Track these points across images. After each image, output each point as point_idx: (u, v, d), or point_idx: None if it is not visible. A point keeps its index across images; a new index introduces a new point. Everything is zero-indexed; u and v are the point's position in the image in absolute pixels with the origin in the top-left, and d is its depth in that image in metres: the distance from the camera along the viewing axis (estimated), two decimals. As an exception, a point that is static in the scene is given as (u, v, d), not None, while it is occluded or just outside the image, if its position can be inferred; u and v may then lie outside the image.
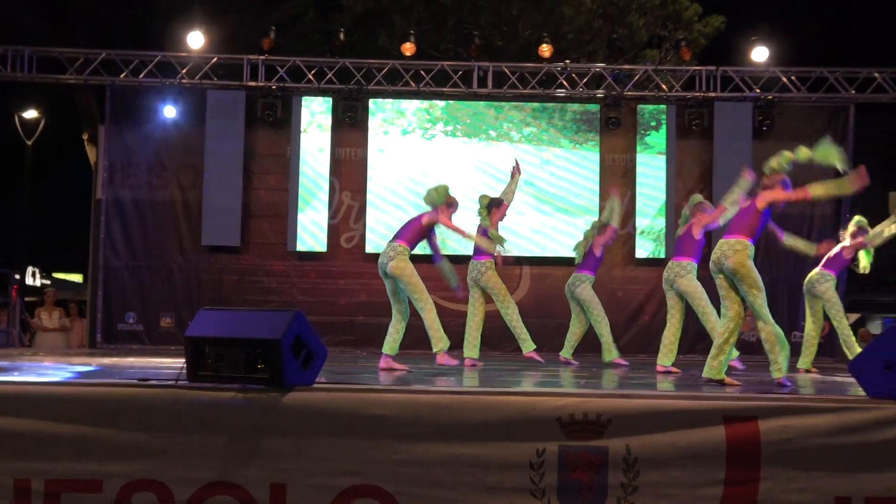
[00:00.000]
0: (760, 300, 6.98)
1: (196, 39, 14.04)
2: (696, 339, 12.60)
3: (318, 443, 5.05)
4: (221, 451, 5.04)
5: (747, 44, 14.43)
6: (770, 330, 7.00)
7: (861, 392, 5.43)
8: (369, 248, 14.05)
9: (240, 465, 5.02)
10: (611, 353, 10.94)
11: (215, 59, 14.17)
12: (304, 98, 14.24)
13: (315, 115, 14.23)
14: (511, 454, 5.00)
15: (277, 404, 5.07)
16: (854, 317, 14.35)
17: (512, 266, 13.70)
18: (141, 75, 14.00)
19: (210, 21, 14.95)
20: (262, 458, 5.05)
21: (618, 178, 14.26)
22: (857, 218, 10.43)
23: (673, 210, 14.13)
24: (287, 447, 5.05)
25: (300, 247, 14.03)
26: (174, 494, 5.02)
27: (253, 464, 5.03)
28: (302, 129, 14.15)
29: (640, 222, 14.18)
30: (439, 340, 9.10)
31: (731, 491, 5.02)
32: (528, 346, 10.33)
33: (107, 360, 9.51)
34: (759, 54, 14.24)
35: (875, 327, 29.56)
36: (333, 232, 14.15)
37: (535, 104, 14.48)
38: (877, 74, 14.31)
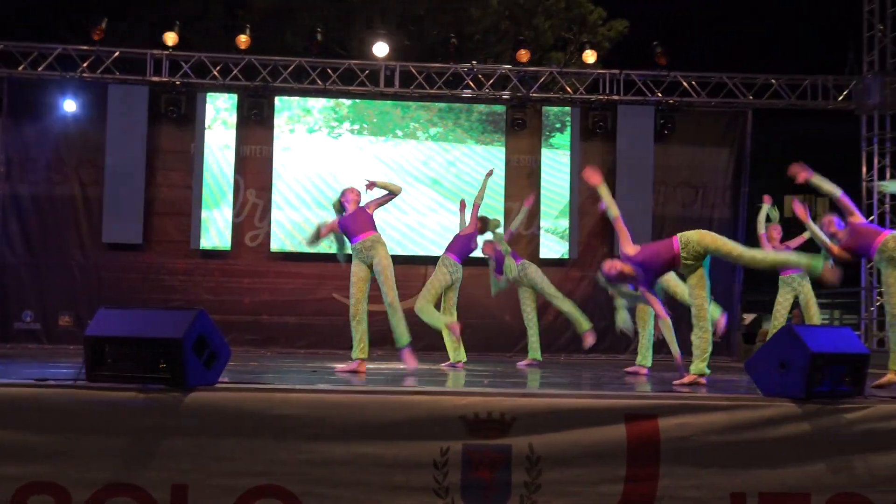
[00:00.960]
0: None
1: (98, 33, 13.74)
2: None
3: (221, 443, 5.00)
4: (121, 452, 4.96)
5: (649, 48, 14.69)
6: None
7: (757, 390, 5.57)
8: (274, 247, 13.96)
9: (140, 466, 4.95)
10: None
11: (117, 53, 13.92)
12: (208, 94, 14.07)
13: (220, 111, 14.07)
14: (415, 453, 5.01)
15: (179, 404, 5.01)
16: (750, 317, 14.69)
17: (417, 265, 13.75)
18: (40, 68, 13.69)
19: (113, 14, 14.66)
20: (163, 458, 4.98)
21: (523, 179, 14.40)
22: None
23: (576, 211, 14.34)
24: (189, 447, 4.99)
25: (204, 245, 13.86)
26: (72, 496, 4.92)
27: (153, 465, 4.96)
28: (206, 125, 13.98)
29: (545, 223, 14.33)
30: None
31: (631, 488, 5.11)
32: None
33: (2, 360, 9.28)
34: (661, 59, 14.50)
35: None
36: (238, 230, 14.01)
37: (442, 104, 14.53)
38: (773, 81, 14.72)
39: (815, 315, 10.27)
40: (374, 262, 8.64)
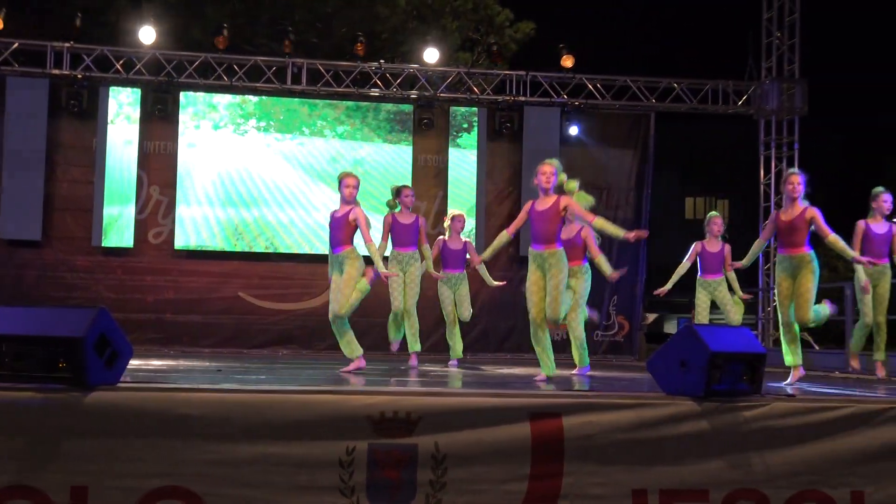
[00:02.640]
0: None
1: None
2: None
3: (123, 443, 4.92)
4: (19, 454, 4.85)
5: (556, 50, 14.84)
6: None
7: (658, 389, 5.68)
8: (178, 244, 13.76)
9: (39, 467, 4.84)
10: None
11: (17, 45, 13.57)
12: (111, 89, 13.81)
13: (123, 106, 13.83)
14: (321, 453, 5.00)
15: (80, 404, 4.92)
16: (653, 316, 14.97)
17: (324, 264, 13.67)
18: (-66, 59, 13.30)
19: (12, 4, 14.29)
20: (63, 460, 4.88)
21: (430, 179, 14.45)
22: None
23: (483, 211, 14.43)
24: (89, 448, 4.90)
25: (106, 242, 13.60)
26: (-33, 499, 4.81)
27: (53, 466, 4.85)
28: (109, 120, 13.72)
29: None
30: None
31: (536, 486, 5.16)
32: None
33: None
34: (567, 61, 14.66)
35: (671, 327, 30.92)
36: (141, 227, 13.77)
37: (350, 103, 14.49)
38: (676, 85, 15.00)
39: (733, 316, 10.49)
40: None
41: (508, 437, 5.17)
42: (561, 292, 7.57)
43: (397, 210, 10.07)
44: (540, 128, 14.50)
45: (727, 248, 10.42)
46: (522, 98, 14.73)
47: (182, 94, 14.03)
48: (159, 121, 13.89)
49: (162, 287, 13.81)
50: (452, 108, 14.69)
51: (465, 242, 10.91)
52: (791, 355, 8.36)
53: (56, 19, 16.44)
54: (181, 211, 13.79)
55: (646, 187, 15.03)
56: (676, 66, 18.65)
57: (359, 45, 14.51)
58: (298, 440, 5.00)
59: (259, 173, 13.99)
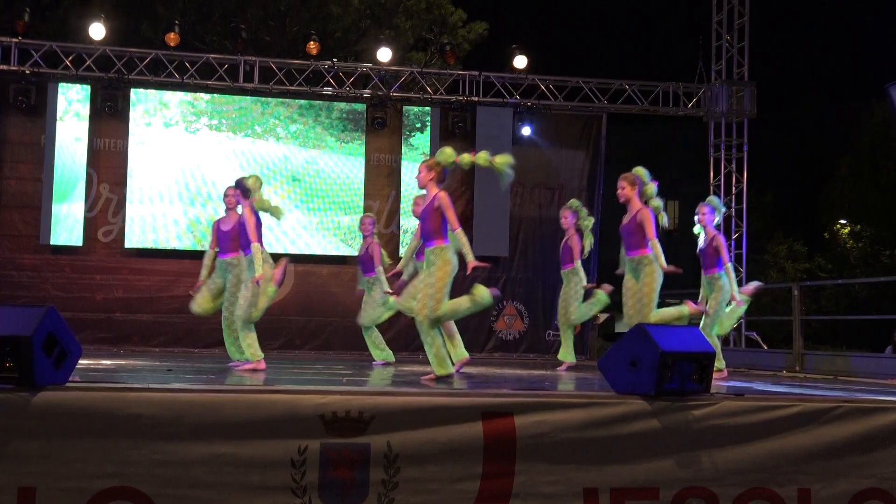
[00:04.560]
0: None
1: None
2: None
3: (71, 444, 4.86)
4: (-35, 455, 4.79)
5: (509, 51, 14.89)
6: None
7: (610, 388, 5.72)
8: (128, 243, 13.62)
9: (-15, 468, 4.78)
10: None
11: (-38, 40, 13.39)
12: (60, 85, 13.63)
13: (72, 102, 13.65)
14: (273, 453, 4.98)
15: (27, 405, 4.85)
16: (604, 316, 15.05)
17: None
18: None
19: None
20: (9, 461, 4.81)
21: (383, 178, 14.44)
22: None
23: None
24: (36, 449, 4.83)
25: (54, 240, 13.42)
26: (-90, 502, 4.73)
27: (-1, 467, 4.80)
28: (58, 117, 13.55)
29: (404, 222, 14.38)
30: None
31: (488, 484, 5.18)
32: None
33: None
34: (520, 62, 14.72)
35: (623, 326, 31.12)
36: (90, 225, 13.61)
37: (303, 101, 14.44)
38: (627, 87, 15.11)
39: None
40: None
41: (461, 437, 5.18)
42: (438, 289, 7.51)
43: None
44: (493, 128, 14.54)
45: None
46: (475, 98, 14.76)
47: (133, 92, 13.88)
48: (109, 118, 13.74)
49: (112, 286, 13.66)
50: (405, 108, 14.69)
51: (370, 245, 10.98)
52: None
53: (4, 14, 16.21)
54: (132, 209, 13.65)
55: (598, 188, 15.12)
56: (628, 68, 18.80)
57: (311, 43, 14.46)
58: (250, 440, 4.97)
59: (211, 172, 13.89)
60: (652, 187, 8.63)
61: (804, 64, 39.99)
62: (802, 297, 12.29)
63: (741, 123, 15.52)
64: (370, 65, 14.89)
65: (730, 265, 9.53)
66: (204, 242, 13.74)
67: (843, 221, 32.27)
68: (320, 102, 14.52)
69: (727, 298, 9.47)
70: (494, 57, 16.69)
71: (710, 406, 5.51)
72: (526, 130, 14.76)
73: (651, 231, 8.47)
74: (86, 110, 13.67)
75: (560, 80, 15.00)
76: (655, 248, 8.47)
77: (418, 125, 14.66)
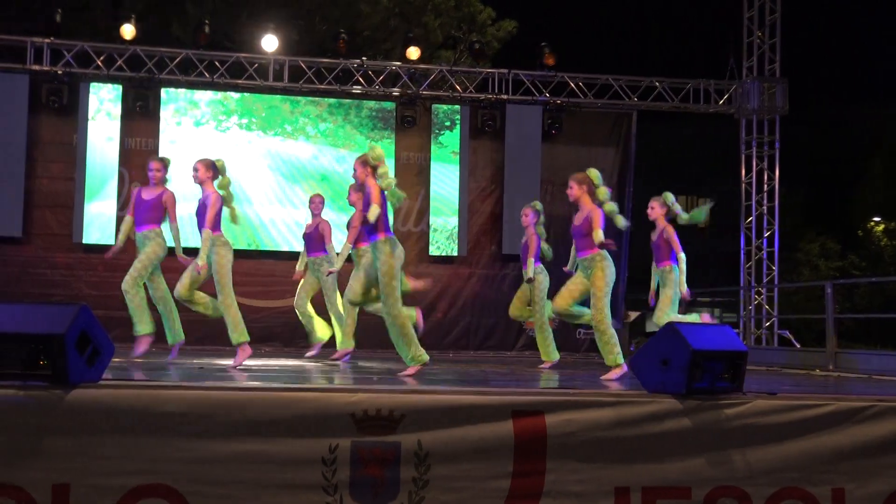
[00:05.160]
0: None
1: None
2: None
3: (104, 441, 4.90)
4: (0, 452, 4.82)
5: (538, 49, 14.85)
6: None
7: (640, 387, 5.70)
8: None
9: (20, 465, 4.81)
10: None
11: (-4, 40, 13.51)
12: (92, 85, 13.73)
13: (104, 102, 13.75)
14: (304, 450, 4.99)
15: (61, 402, 4.89)
16: (635, 314, 15.00)
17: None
18: (-87, 54, 13.20)
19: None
20: (44, 458, 4.85)
21: (412, 177, 14.44)
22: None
23: (466, 209, 14.43)
24: (71, 446, 4.87)
25: (87, 239, 13.52)
26: (-53, 498, 4.78)
27: (34, 464, 4.83)
28: (89, 116, 13.65)
29: (434, 221, 14.38)
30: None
31: (519, 483, 5.17)
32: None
33: None
34: (549, 60, 14.68)
35: (653, 325, 30.98)
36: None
37: (332, 100, 14.47)
38: (657, 84, 15.03)
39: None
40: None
41: (491, 435, 5.17)
42: (387, 283, 7.58)
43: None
44: (522, 126, 14.52)
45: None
46: (504, 96, 14.74)
47: (163, 91, 13.97)
48: (140, 117, 13.82)
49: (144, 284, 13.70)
50: (434, 106, 14.69)
51: (319, 223, 10.97)
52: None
53: (36, 15, 16.34)
54: (162, 208, 13.70)
55: (627, 186, 15.06)
56: (658, 65, 18.69)
57: (341, 42, 14.49)
58: (281, 438, 4.99)
59: (241, 170, 13.95)
60: (605, 190, 8.66)
61: (837, 60, 39.66)
62: (836, 296, 12.18)
63: (773, 120, 15.43)
64: (399, 63, 14.90)
65: (682, 255, 9.74)
66: (234, 240, 13.80)
67: (877, 219, 32.02)
68: (350, 101, 14.54)
69: (678, 292, 9.66)
70: (524, 55, 16.66)
71: (742, 405, 5.47)
72: (554, 128, 14.70)
73: (600, 231, 8.42)
74: (117, 110, 13.76)
75: (590, 77, 14.95)
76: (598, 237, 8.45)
77: (448, 123, 14.66)
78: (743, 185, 15.54)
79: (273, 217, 14.01)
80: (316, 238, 10.92)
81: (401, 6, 21.28)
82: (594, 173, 8.72)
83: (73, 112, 13.64)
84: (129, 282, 9.24)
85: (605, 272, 8.48)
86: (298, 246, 13.71)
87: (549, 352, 10.73)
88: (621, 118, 15.19)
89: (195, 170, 9.20)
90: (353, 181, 8.36)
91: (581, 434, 5.26)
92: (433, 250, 14.38)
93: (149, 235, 9.42)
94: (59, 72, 13.57)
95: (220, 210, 8.98)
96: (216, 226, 8.91)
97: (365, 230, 7.86)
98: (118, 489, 4.87)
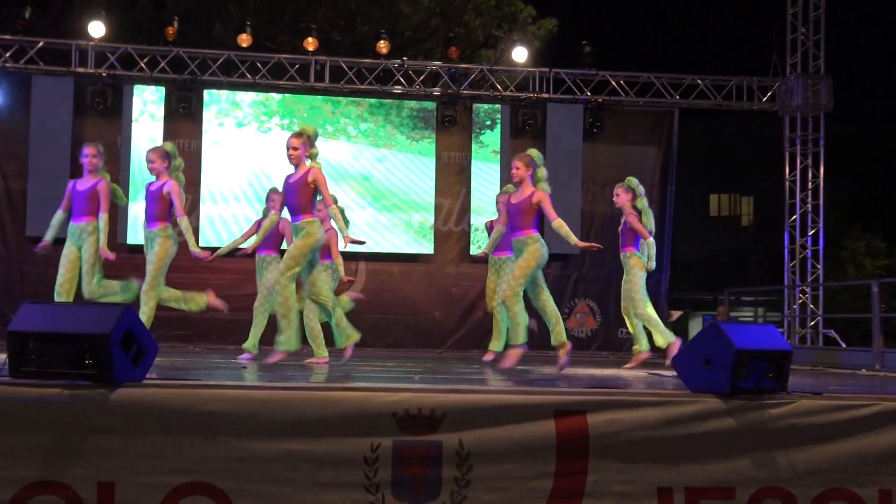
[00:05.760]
0: None
1: (21, 22, 13.48)
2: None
3: (148, 440, 4.94)
4: (46, 450, 4.88)
5: (578, 47, 14.80)
6: None
7: (683, 386, 5.66)
8: (202, 242, 13.78)
9: (66, 463, 4.87)
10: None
11: (42, 43, 13.67)
12: (135, 87, 13.88)
13: (147, 104, 13.90)
14: (345, 449, 5.00)
15: (105, 401, 4.94)
16: (677, 313, 14.93)
17: (348, 261, 13.70)
18: (-40, 58, 13.40)
19: (37, 3, 14.40)
20: (90, 456, 4.90)
21: (453, 176, 14.45)
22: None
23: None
24: (115, 445, 4.92)
25: (131, 239, 13.66)
26: (-5, 495, 4.84)
27: (79, 462, 4.88)
28: (133, 118, 13.79)
29: (475, 220, 14.38)
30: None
31: (561, 483, 5.15)
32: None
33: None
34: (590, 58, 14.63)
35: (696, 325, 30.82)
36: (166, 225, 13.80)
37: (373, 100, 14.51)
38: (699, 81, 14.93)
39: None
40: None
41: (533, 435, 5.16)
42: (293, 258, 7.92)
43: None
44: (563, 125, 14.49)
45: None
46: (545, 95, 14.71)
47: (206, 92, 14.08)
48: (183, 119, 13.95)
49: (187, 284, 13.73)
50: (475, 106, 14.70)
51: (280, 220, 10.39)
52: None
53: (80, 18, 16.53)
54: (205, 209, 13.84)
55: (669, 184, 14.98)
56: (700, 63, 18.52)
57: (382, 42, 14.54)
58: (323, 437, 5.00)
59: (282, 170, 13.99)
60: (543, 171, 8.58)
61: (882, 56, 39.21)
62: (882, 294, 12.02)
63: (817, 117, 15.28)
64: (440, 63, 14.92)
65: (651, 240, 10.01)
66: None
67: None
68: (390, 101, 14.58)
69: (641, 276, 9.92)
70: (564, 53, 16.62)
71: (787, 405, 5.41)
72: (596, 127, 14.64)
73: (552, 212, 8.36)
74: (160, 111, 13.89)
75: (631, 75, 14.88)
76: (563, 228, 8.39)
77: (488, 123, 14.65)
78: (787, 182, 15.40)
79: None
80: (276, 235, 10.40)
81: (442, 6, 21.29)
82: (536, 153, 8.66)
83: (117, 114, 13.80)
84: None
85: (537, 254, 8.34)
86: (340, 245, 13.75)
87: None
88: (663, 116, 15.11)
89: (150, 161, 8.99)
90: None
91: (624, 434, 5.23)
92: (474, 250, 14.37)
93: (86, 228, 9.03)
94: (104, 74, 13.71)
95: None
96: (182, 213, 8.87)
97: None
98: (162, 487, 4.91)
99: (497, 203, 10.85)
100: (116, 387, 4.97)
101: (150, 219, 9.12)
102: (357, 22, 20.67)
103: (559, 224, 8.31)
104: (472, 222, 14.40)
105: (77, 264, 9.09)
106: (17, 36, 13.51)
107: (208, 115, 14.07)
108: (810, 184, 15.35)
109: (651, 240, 10.01)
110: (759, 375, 5.46)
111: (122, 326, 4.98)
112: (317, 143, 8.43)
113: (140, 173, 13.66)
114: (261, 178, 13.88)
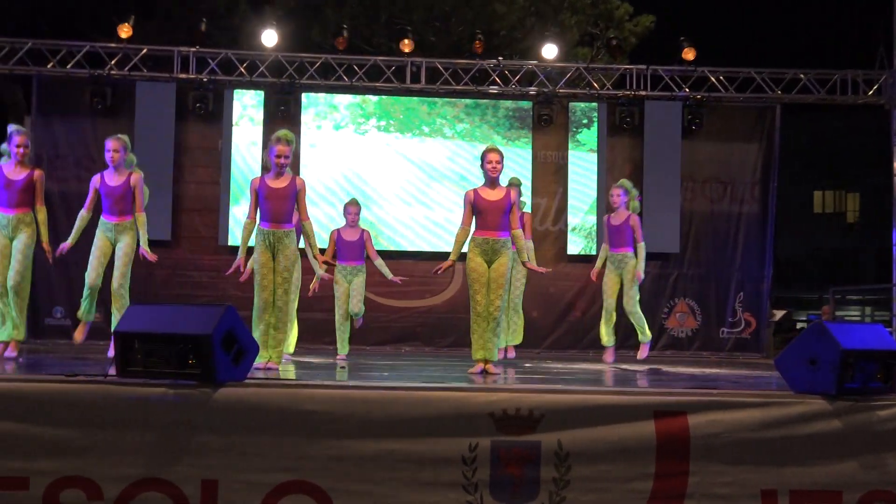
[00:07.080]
0: None
1: (126, 30, 13.80)
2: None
3: (250, 439, 5.02)
4: (151, 448, 4.99)
5: (677, 43, 14.60)
6: None
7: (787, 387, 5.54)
8: (301, 244, 13.93)
9: (170, 461, 4.97)
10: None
11: (145, 51, 13.98)
12: (235, 91, 14.11)
13: (247, 108, 14.11)
14: (444, 449, 5.02)
15: (208, 400, 5.03)
16: (780, 313, 14.63)
17: (443, 261, 13.71)
18: (68, 66, 13.74)
19: (141, 11, 14.73)
20: (193, 454, 5.00)
21: (550, 175, 14.37)
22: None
23: (603, 207, 14.27)
24: (218, 443, 5.01)
25: (232, 241, 13.88)
26: (103, 491, 4.95)
27: (183, 460, 4.98)
28: (233, 122, 14.03)
29: (572, 219, 14.29)
30: None
31: (661, 484, 5.10)
32: None
33: (33, 355, 9.36)
34: (688, 54, 14.41)
35: (801, 323, 30.20)
36: (265, 227, 14.00)
37: (469, 100, 14.51)
38: (802, 75, 14.59)
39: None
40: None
41: (633, 435, 5.11)
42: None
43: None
44: (661, 122, 14.29)
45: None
46: (643, 92, 14.53)
47: (304, 96, 14.24)
48: (282, 122, 14.10)
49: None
50: (572, 104, 14.59)
51: (362, 232, 10.67)
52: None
53: (181, 25, 16.88)
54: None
55: (772, 181, 14.67)
56: (803, 57, 18.13)
57: (477, 42, 14.54)
58: (421, 437, 5.02)
59: (379, 172, 14.13)
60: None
61: None
62: None
63: (925, 111, 14.81)
64: (536, 62, 14.84)
65: (643, 243, 10.32)
66: (374, 241, 14.01)
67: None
68: (487, 101, 14.57)
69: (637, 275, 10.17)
70: (662, 50, 16.40)
71: (897, 407, 5.27)
72: (695, 124, 14.42)
73: (516, 218, 8.37)
74: (259, 115, 14.10)
75: (731, 71, 14.61)
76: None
77: (585, 121, 14.54)
78: (895, 178, 14.97)
79: (413, 217, 14.13)
80: (360, 247, 10.67)
81: (537, 5, 21.21)
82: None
83: (217, 118, 14.04)
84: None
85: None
86: (437, 246, 13.82)
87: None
88: (764, 112, 14.81)
89: (116, 151, 8.91)
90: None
91: (726, 435, 5.15)
92: (571, 249, 14.28)
93: (24, 220, 8.93)
94: (205, 79, 13.96)
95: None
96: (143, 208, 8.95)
97: None
98: (264, 486, 4.99)
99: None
100: (219, 386, 5.06)
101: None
102: (452, 23, 20.71)
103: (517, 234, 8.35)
104: (569, 222, 14.30)
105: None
106: (122, 44, 13.84)
107: (306, 118, 14.23)
108: (919, 179, 14.90)
109: (643, 243, 10.35)
110: (867, 376, 5.33)
111: (223, 327, 5.07)
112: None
113: (242, 175, 13.90)
114: (357, 179, 14.00)
